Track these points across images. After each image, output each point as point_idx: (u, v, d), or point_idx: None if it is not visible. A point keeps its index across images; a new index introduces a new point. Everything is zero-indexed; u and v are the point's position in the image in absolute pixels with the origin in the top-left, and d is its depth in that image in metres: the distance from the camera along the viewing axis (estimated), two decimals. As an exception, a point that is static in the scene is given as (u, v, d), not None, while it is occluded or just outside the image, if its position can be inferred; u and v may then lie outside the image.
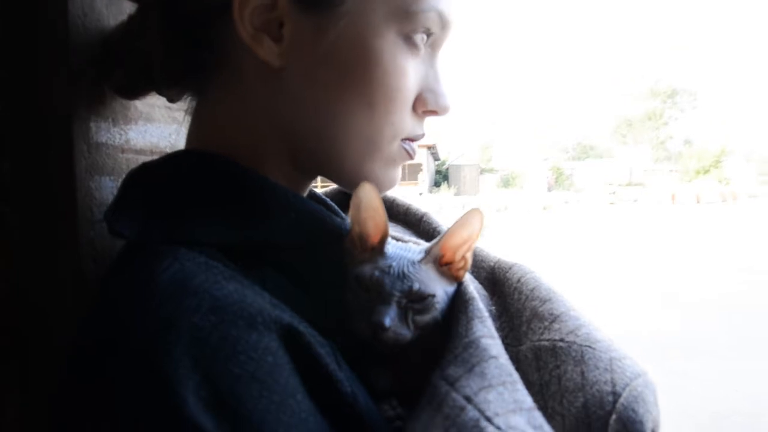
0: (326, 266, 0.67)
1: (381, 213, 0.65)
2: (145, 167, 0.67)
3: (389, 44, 0.66)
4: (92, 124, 0.75)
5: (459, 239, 0.66)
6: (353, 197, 0.65)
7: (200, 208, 0.63)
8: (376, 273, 0.62)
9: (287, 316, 0.56)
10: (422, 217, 0.88)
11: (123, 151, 0.80)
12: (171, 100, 0.75)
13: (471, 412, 0.51)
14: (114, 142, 0.79)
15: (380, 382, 0.64)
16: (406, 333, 0.62)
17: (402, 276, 0.62)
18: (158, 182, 0.66)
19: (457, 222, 0.65)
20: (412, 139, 0.74)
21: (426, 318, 0.63)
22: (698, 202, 36.88)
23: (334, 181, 0.73)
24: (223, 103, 0.70)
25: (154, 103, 0.86)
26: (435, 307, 0.64)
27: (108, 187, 0.77)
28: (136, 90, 0.76)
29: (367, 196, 0.64)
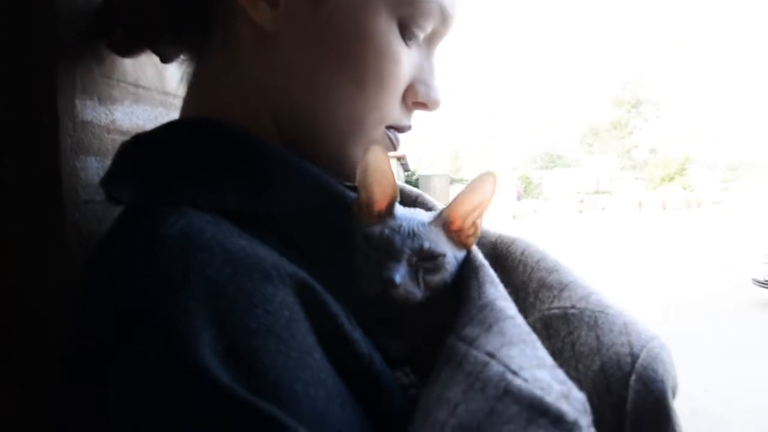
0: (332, 233, 0.65)
1: (389, 177, 0.63)
2: (139, 137, 0.65)
3: (384, 27, 0.65)
4: (77, 101, 0.72)
5: (469, 205, 0.64)
6: (361, 161, 0.63)
7: (200, 175, 0.61)
8: (386, 231, 0.61)
9: (302, 272, 0.54)
10: (417, 197, 0.86)
11: (109, 131, 0.77)
12: (165, 59, 0.73)
13: (495, 367, 0.50)
14: (100, 121, 0.75)
15: (392, 347, 0.62)
16: (417, 292, 0.60)
17: (412, 234, 0.61)
18: (155, 150, 0.63)
19: (467, 187, 0.63)
20: (398, 129, 0.73)
21: (436, 278, 0.61)
22: (664, 208, 37.67)
23: (317, 162, 0.69)
24: (219, 69, 0.68)
25: (141, 85, 0.83)
26: (445, 268, 0.62)
27: (94, 168, 0.74)
28: (133, 45, 0.74)
29: (375, 160, 0.62)
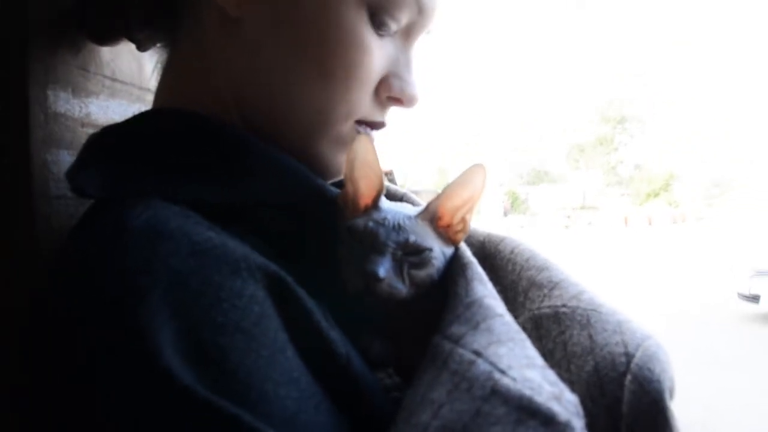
0: (311, 228, 0.63)
1: (376, 169, 0.61)
2: (107, 129, 0.62)
3: (353, 15, 0.61)
4: (50, 92, 0.69)
5: (458, 200, 0.62)
6: (348, 153, 0.61)
7: (169, 166, 0.58)
8: (370, 224, 0.58)
9: (273, 265, 0.51)
10: (402, 196, 0.84)
11: (83, 125, 0.74)
12: (140, 47, 0.71)
13: (482, 366, 0.47)
14: (74, 114, 0.73)
15: (374, 348, 0.60)
16: (401, 288, 0.58)
17: (398, 227, 0.58)
18: (124, 141, 0.61)
19: (456, 180, 0.61)
20: (370, 125, 0.69)
21: (422, 274, 0.59)
22: (650, 224, 37.98)
23: None
24: (189, 56, 0.66)
25: (119, 79, 0.80)
26: (432, 263, 0.60)
27: (66, 162, 0.71)
28: (106, 30, 0.72)
29: (363, 150, 0.60)
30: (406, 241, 0.58)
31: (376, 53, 0.64)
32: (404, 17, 0.64)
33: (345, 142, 0.67)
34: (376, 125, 0.70)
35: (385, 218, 0.59)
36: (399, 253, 0.58)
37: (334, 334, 0.52)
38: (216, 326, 0.44)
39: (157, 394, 0.40)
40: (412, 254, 0.59)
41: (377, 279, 0.55)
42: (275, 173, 0.61)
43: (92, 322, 0.43)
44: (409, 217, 0.60)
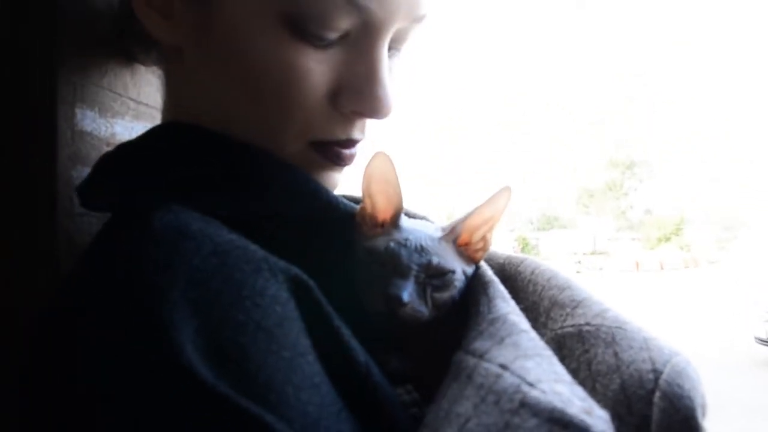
0: (324, 242, 0.62)
1: (395, 186, 0.60)
2: (121, 146, 0.62)
3: (268, 35, 0.57)
4: (78, 111, 0.70)
5: (480, 219, 0.61)
6: (366, 167, 0.60)
7: (180, 179, 0.58)
8: (392, 245, 0.57)
9: (295, 268, 0.50)
10: (424, 217, 0.84)
11: (108, 144, 0.75)
12: (145, 63, 0.73)
13: (510, 378, 0.45)
14: (99, 133, 0.74)
15: (392, 363, 0.58)
16: (424, 310, 0.57)
17: (420, 249, 0.57)
18: (134, 156, 0.61)
19: (484, 202, 0.61)
20: (337, 144, 0.64)
21: (444, 296, 0.58)
22: (662, 268, 37.58)
23: None
24: (168, 79, 0.68)
25: (143, 102, 0.82)
26: (454, 285, 0.59)
27: (91, 180, 0.72)
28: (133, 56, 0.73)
29: (381, 167, 0.60)
30: (429, 263, 0.57)
31: (312, 68, 0.59)
32: (340, 23, 0.58)
33: (309, 164, 0.64)
34: (344, 144, 0.65)
35: (407, 239, 0.58)
36: (422, 275, 0.57)
37: (355, 343, 0.51)
38: (237, 324, 0.43)
39: (178, 391, 0.39)
40: (435, 276, 0.58)
41: (401, 303, 0.55)
42: (285, 186, 0.60)
43: (113, 319, 0.42)
44: (432, 238, 0.59)
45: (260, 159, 0.61)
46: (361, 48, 0.61)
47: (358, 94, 0.61)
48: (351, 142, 0.65)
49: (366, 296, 0.58)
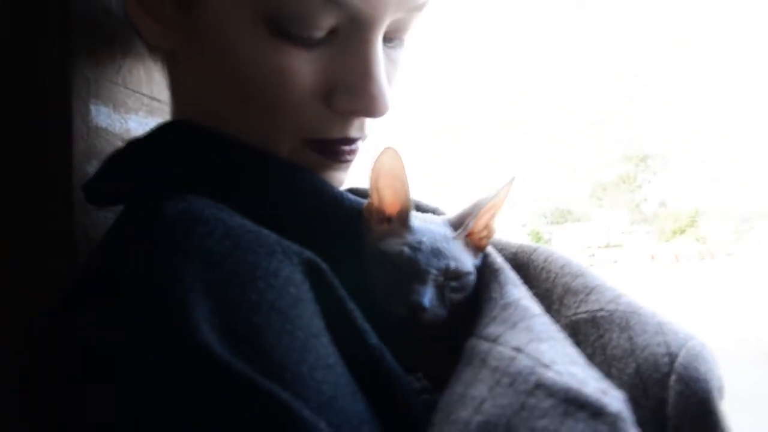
0: (330, 235, 0.62)
1: (403, 181, 0.60)
2: (130, 143, 0.63)
3: (247, 36, 0.57)
4: (92, 107, 0.71)
5: (485, 210, 0.62)
6: (374, 162, 0.60)
7: (189, 178, 0.58)
8: (407, 250, 0.58)
9: (308, 252, 0.51)
10: (434, 211, 0.84)
11: (123, 139, 0.75)
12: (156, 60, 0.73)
13: (525, 360, 0.46)
14: (114, 129, 0.75)
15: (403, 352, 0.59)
16: (443, 312, 0.58)
17: (437, 252, 0.58)
18: (144, 153, 0.62)
19: (489, 194, 0.62)
20: (331, 143, 0.64)
21: (461, 296, 0.59)
22: (677, 260, 37.26)
23: None
24: (170, 75, 0.69)
25: (156, 98, 0.83)
26: (470, 285, 0.60)
27: (107, 174, 0.73)
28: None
29: (390, 162, 0.60)
30: (447, 267, 0.58)
31: (299, 68, 0.58)
32: (324, 21, 0.57)
33: (307, 163, 0.63)
34: (343, 142, 0.64)
35: (420, 242, 0.58)
36: (440, 278, 0.58)
37: (367, 326, 0.51)
38: (250, 304, 0.44)
39: (195, 369, 0.40)
40: (453, 279, 0.58)
41: (423, 309, 0.55)
42: (289, 184, 0.61)
43: (130, 302, 0.43)
44: (445, 238, 0.60)
45: (261, 157, 0.61)
46: (352, 44, 0.59)
47: (352, 93, 0.60)
48: (348, 141, 0.64)
49: (386, 301, 0.58)
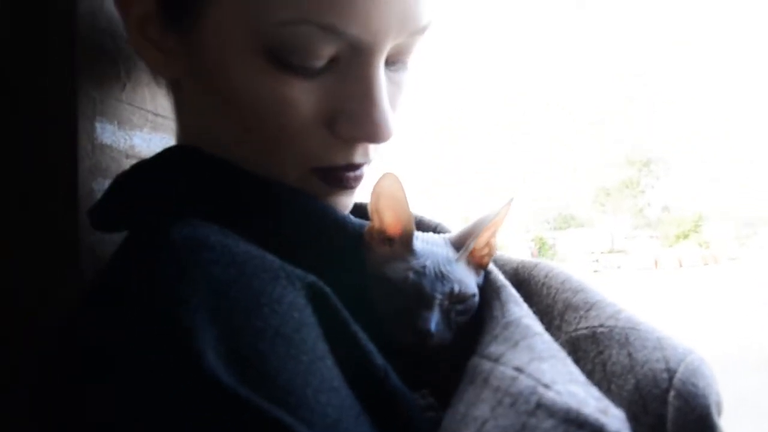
0: (336, 261, 0.62)
1: (403, 204, 0.60)
2: (135, 167, 0.64)
3: (254, 67, 0.57)
4: (97, 125, 0.72)
5: (486, 230, 0.62)
6: (374, 186, 0.61)
7: (190, 201, 0.59)
8: (411, 275, 0.58)
9: (311, 276, 0.51)
10: (436, 227, 0.84)
11: (128, 156, 0.77)
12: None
13: (526, 381, 0.46)
14: (119, 145, 0.76)
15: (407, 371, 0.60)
16: (449, 336, 0.58)
17: (441, 276, 0.58)
18: (150, 177, 0.63)
19: (490, 214, 0.62)
20: (344, 168, 0.64)
21: (466, 317, 0.59)
22: (681, 265, 37.20)
23: None
24: (174, 101, 0.70)
25: (160, 114, 0.83)
26: (475, 306, 0.60)
27: (112, 191, 0.73)
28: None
29: (389, 185, 0.60)
30: (452, 291, 0.58)
31: (301, 98, 0.58)
32: (323, 51, 0.57)
33: (312, 191, 0.63)
34: (347, 168, 0.64)
35: (424, 266, 0.58)
36: (446, 302, 0.58)
37: (371, 347, 0.52)
38: (255, 331, 0.44)
39: (201, 395, 0.40)
40: (458, 302, 0.59)
41: (430, 336, 0.55)
42: (292, 209, 0.61)
43: (135, 328, 0.43)
44: (449, 260, 0.60)
45: (264, 183, 0.62)
46: (353, 71, 0.59)
47: (354, 120, 0.60)
48: (353, 167, 0.64)
49: (392, 327, 0.58)
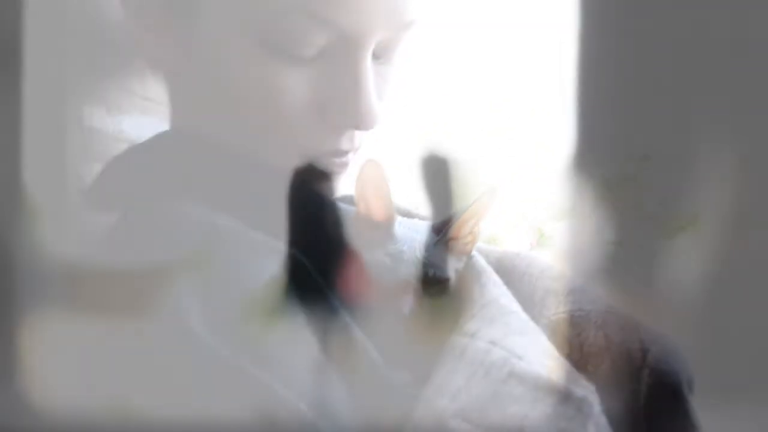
0: (322, 242, 0.63)
1: (386, 190, 0.61)
2: (128, 150, 0.66)
3: (245, 54, 0.59)
4: (86, 108, 0.73)
5: (469, 216, 0.63)
6: (358, 173, 0.62)
7: (188, 185, 0.60)
8: (387, 261, 0.59)
9: (293, 249, 0.54)
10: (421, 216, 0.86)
11: (116, 140, 0.77)
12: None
13: (499, 352, 0.49)
14: (108, 130, 0.76)
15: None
16: (426, 318, 0.59)
17: (417, 261, 0.60)
18: (140, 161, 0.65)
19: (473, 201, 0.63)
20: (331, 154, 0.66)
21: (441, 300, 0.60)
22: (679, 258, 37.36)
23: None
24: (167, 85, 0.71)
25: (150, 98, 0.84)
26: (449, 289, 0.61)
27: (100, 175, 0.74)
28: None
29: (372, 173, 0.61)
30: (425, 275, 0.59)
31: (291, 86, 0.59)
32: (314, 40, 0.58)
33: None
34: (334, 154, 0.66)
35: (401, 251, 0.60)
36: (420, 286, 0.59)
37: (351, 320, 0.54)
38: (234, 299, 0.46)
39: (185, 346, 0.43)
40: (432, 286, 0.60)
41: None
42: (282, 192, 0.61)
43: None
44: (427, 245, 0.61)
45: (253, 166, 0.63)
46: (341, 61, 0.60)
47: (341, 108, 0.61)
48: (339, 152, 0.66)
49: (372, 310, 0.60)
